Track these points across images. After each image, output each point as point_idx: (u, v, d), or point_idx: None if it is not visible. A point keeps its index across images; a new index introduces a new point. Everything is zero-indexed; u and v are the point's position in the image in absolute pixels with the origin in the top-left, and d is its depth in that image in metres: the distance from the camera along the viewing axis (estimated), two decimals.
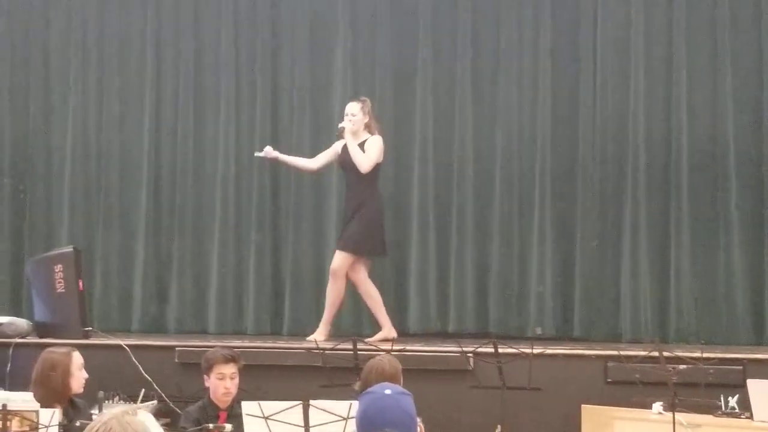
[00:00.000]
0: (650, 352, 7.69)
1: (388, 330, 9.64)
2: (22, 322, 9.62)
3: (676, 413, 7.04)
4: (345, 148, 9.59)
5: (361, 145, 9.51)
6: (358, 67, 10.78)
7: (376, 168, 9.55)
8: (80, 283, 9.60)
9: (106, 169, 11.04)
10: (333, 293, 9.57)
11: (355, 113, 9.54)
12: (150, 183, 10.93)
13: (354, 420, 6.16)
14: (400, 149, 10.65)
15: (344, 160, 9.59)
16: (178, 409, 8.16)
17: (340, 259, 9.52)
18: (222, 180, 10.82)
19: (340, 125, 9.58)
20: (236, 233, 10.80)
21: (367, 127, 9.60)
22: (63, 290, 9.53)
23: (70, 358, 6.79)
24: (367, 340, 9.36)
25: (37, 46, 11.19)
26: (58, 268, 9.54)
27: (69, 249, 9.78)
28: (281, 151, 10.48)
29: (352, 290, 10.44)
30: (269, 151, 9.79)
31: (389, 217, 10.55)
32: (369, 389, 4.03)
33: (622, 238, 10.23)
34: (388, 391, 3.93)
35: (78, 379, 6.78)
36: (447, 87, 10.63)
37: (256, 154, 9.88)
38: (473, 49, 10.60)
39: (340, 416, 6.18)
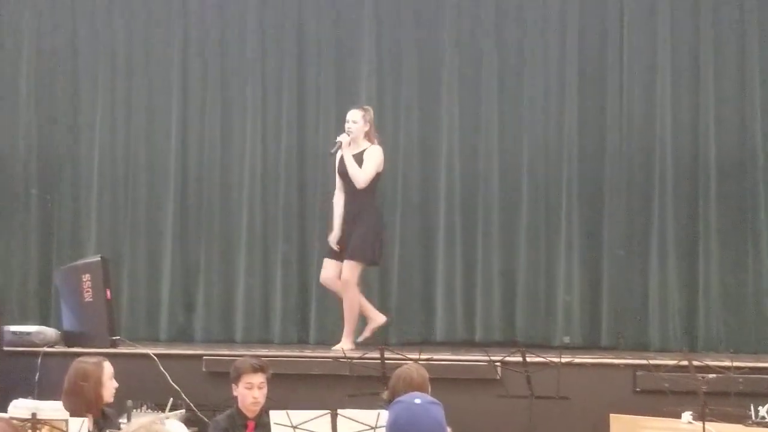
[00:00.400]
0: (680, 361, 7.65)
1: (376, 316, 9.68)
2: (50, 332, 9.66)
3: (705, 423, 7.00)
4: (342, 157, 9.57)
5: (360, 155, 9.49)
6: (383, 75, 10.79)
7: (376, 178, 9.52)
8: (108, 293, 9.62)
9: (133, 179, 11.08)
10: (349, 304, 9.55)
11: (356, 120, 9.50)
12: (177, 193, 10.96)
13: (382, 429, 6.19)
14: (427, 158, 10.66)
15: (342, 169, 9.57)
16: (206, 418, 8.17)
17: (349, 269, 9.48)
18: (249, 190, 10.84)
19: (337, 138, 9.54)
20: (263, 243, 10.81)
21: (367, 136, 9.57)
22: (91, 299, 9.56)
23: (102, 368, 6.81)
24: (364, 335, 9.56)
25: (65, 57, 11.23)
26: (86, 277, 9.57)
27: (97, 258, 9.80)
28: (307, 159, 10.55)
29: (378, 297, 10.48)
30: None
31: (416, 227, 10.57)
32: (399, 398, 4.04)
33: (649, 247, 10.20)
34: (418, 401, 3.95)
35: (109, 388, 6.79)
36: (473, 94, 10.62)
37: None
38: (499, 56, 10.59)
39: (368, 425, 6.18)
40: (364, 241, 9.44)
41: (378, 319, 9.70)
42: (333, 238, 9.62)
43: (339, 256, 9.60)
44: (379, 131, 10.38)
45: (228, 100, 11.03)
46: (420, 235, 10.61)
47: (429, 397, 4.00)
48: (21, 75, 11.22)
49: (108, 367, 6.85)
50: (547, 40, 10.54)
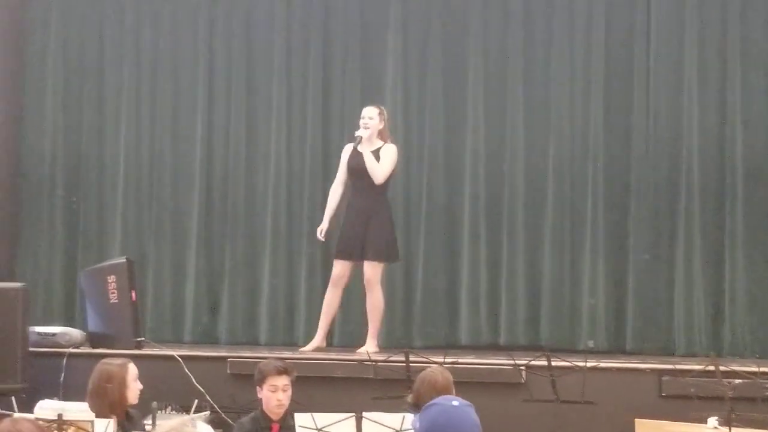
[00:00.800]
0: (706, 366, 7.63)
1: (320, 340, 9.68)
2: (75, 333, 9.71)
3: (732, 428, 6.96)
4: (354, 153, 9.58)
5: (376, 152, 9.51)
6: (409, 78, 10.78)
7: (391, 175, 9.56)
8: (133, 294, 9.66)
9: (159, 181, 11.10)
10: (373, 304, 9.56)
11: (372, 117, 9.52)
12: (202, 195, 10.98)
13: None
14: (451, 161, 10.65)
15: (354, 166, 9.57)
16: (230, 420, 8.17)
17: (372, 270, 9.49)
18: (274, 191, 10.84)
19: (357, 133, 9.55)
20: (288, 245, 10.81)
21: (381, 135, 9.59)
22: (116, 301, 9.60)
23: (126, 370, 6.82)
24: (301, 349, 9.61)
25: (91, 59, 11.26)
26: (112, 279, 9.61)
27: (122, 260, 9.85)
28: (332, 160, 10.51)
29: (402, 300, 10.48)
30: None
31: (440, 230, 10.57)
32: (434, 401, 4.06)
33: (675, 250, 10.15)
34: (455, 403, 4.00)
35: (133, 390, 6.81)
36: (498, 98, 10.60)
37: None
38: (525, 60, 10.56)
39: (393, 429, 6.18)
40: (383, 240, 9.47)
41: (320, 342, 9.69)
42: (321, 229, 9.69)
43: (346, 255, 9.58)
44: (405, 132, 10.48)
45: (253, 101, 11.04)
46: (445, 238, 10.59)
47: (464, 400, 4.02)
48: (47, 77, 11.26)
49: (132, 369, 6.87)
50: (573, 43, 10.50)
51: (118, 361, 6.97)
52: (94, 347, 9.55)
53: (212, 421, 8.31)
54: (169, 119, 11.13)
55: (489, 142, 10.57)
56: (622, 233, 10.31)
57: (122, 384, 6.76)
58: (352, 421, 6.25)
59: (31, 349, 9.22)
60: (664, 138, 10.25)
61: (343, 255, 9.60)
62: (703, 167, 10.14)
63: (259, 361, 7.28)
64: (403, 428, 6.21)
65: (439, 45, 10.74)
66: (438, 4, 10.77)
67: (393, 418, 6.26)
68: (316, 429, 6.25)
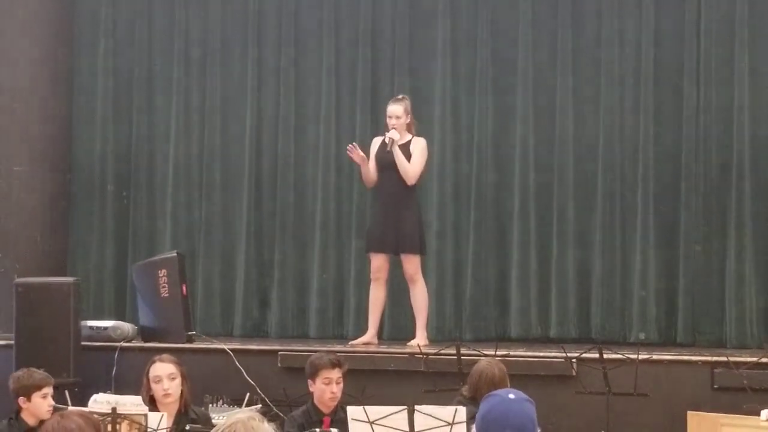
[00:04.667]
0: (760, 358, 7.58)
1: (371, 336, 9.65)
2: (127, 327, 9.75)
3: None
4: (381, 146, 9.54)
5: (406, 146, 9.46)
6: (457, 69, 10.75)
7: (424, 170, 9.55)
8: (183, 288, 9.70)
9: (208, 175, 11.13)
10: (418, 297, 9.58)
11: (399, 115, 9.45)
12: (251, 189, 11.00)
13: (459, 426, 6.20)
14: (501, 154, 10.62)
15: (382, 160, 9.52)
16: (281, 414, 8.20)
17: (413, 263, 9.52)
18: (323, 186, 10.85)
19: (387, 136, 9.46)
20: (337, 239, 10.82)
21: (407, 127, 9.54)
22: (167, 295, 9.63)
23: (147, 369, 6.79)
24: (351, 342, 9.57)
25: (141, 55, 11.30)
26: (162, 273, 9.65)
27: (173, 254, 9.88)
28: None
29: (452, 293, 10.47)
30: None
31: (490, 222, 10.55)
32: (494, 392, 4.09)
33: (726, 242, 10.08)
34: (512, 395, 4.02)
35: (155, 390, 6.74)
36: (548, 91, 10.56)
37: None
38: (573, 52, 10.52)
39: (446, 421, 6.18)
40: (417, 233, 9.50)
41: (372, 338, 9.66)
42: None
43: (379, 248, 9.58)
44: (454, 124, 10.48)
45: (302, 95, 11.05)
46: (494, 231, 10.57)
47: (523, 395, 4.03)
48: (97, 72, 11.31)
49: (154, 369, 6.78)
50: (623, 35, 10.43)
51: (157, 356, 6.93)
52: (145, 341, 9.61)
53: (263, 415, 8.35)
54: (219, 113, 11.16)
55: (538, 134, 10.53)
56: (672, 225, 10.25)
57: (146, 382, 6.74)
58: (404, 414, 6.26)
59: (83, 343, 9.30)
60: (714, 128, 10.17)
61: (376, 248, 9.61)
62: (755, 159, 10.07)
63: (310, 355, 7.30)
64: (455, 421, 6.20)
65: (488, 36, 10.70)
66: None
67: (445, 411, 6.27)
68: (369, 422, 6.25)
